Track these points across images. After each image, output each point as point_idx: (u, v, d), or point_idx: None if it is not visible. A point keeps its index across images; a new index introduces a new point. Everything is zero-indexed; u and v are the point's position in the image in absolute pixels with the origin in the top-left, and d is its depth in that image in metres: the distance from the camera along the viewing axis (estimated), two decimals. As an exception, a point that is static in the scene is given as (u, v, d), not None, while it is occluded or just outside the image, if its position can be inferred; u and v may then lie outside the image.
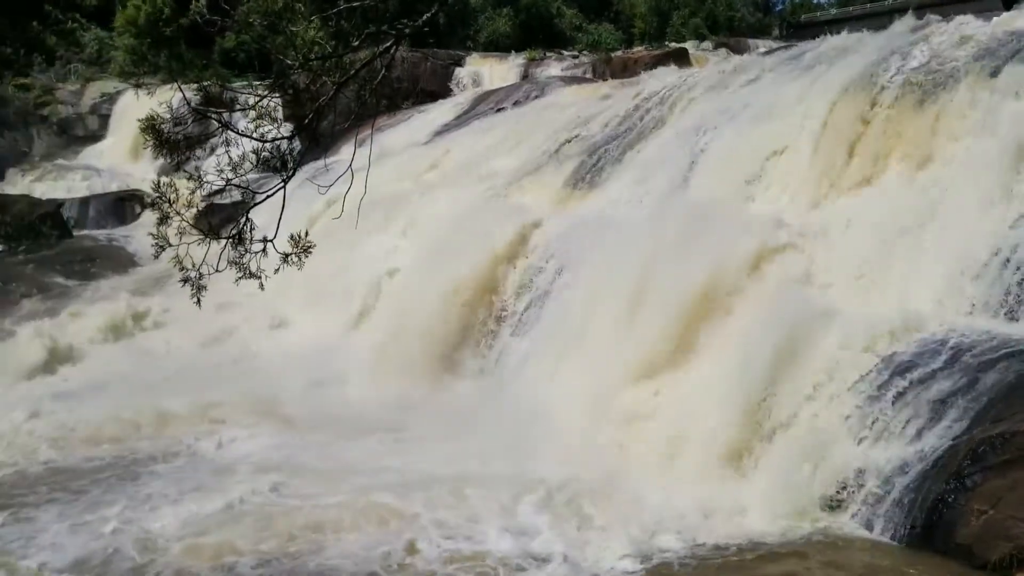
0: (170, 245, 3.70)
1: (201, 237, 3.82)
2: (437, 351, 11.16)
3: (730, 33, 32.74)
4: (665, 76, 15.41)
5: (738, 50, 24.80)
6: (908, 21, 11.39)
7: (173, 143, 3.66)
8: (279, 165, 3.77)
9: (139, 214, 21.49)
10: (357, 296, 13.08)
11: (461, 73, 25.11)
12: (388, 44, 3.63)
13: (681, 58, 22.02)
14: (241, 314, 13.41)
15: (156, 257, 3.72)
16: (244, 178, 3.80)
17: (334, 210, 12.52)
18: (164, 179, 3.63)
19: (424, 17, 3.55)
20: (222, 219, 14.51)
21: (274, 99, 4.07)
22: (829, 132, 9.74)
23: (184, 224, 3.92)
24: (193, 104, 3.68)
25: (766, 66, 12.95)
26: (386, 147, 17.33)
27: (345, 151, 14.58)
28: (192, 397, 10.59)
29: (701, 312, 8.50)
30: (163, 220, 3.68)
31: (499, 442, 8.63)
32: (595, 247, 10.61)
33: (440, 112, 20.91)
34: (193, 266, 3.79)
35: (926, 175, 8.69)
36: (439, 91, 23.88)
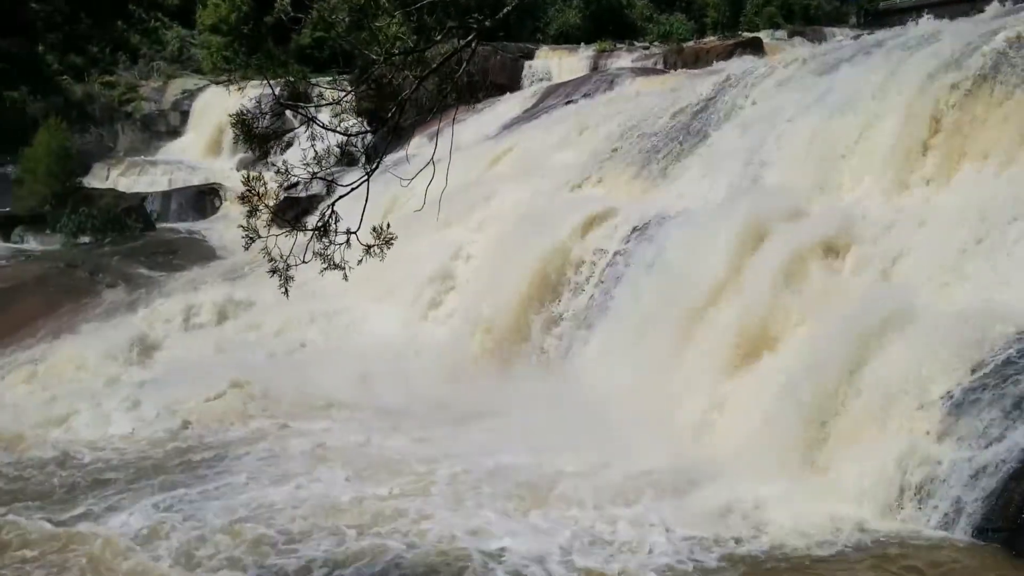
0: (259, 237, 3.83)
1: (288, 229, 3.94)
2: (506, 342, 11.24)
3: (805, 22, 31.99)
4: (739, 66, 15.17)
5: (814, 39, 24.26)
6: (994, 7, 11.02)
7: (261, 137, 3.79)
8: (363, 158, 3.87)
9: (218, 207, 22.14)
10: (427, 288, 13.25)
11: (531, 66, 25.10)
12: (470, 38, 3.68)
13: (755, 48, 21.64)
14: (316, 305, 13.68)
15: (247, 248, 3.85)
16: (327, 172, 3.91)
17: (405, 202, 12.74)
18: (254, 173, 3.76)
19: (504, 11, 3.58)
20: (298, 212, 14.90)
21: (352, 94, 4.18)
22: (911, 123, 9.48)
23: (268, 217, 4.05)
24: (281, 100, 3.80)
25: (844, 54, 12.65)
26: (457, 140, 17.44)
27: (415, 144, 14.77)
28: (268, 386, 10.89)
29: (777, 305, 8.38)
30: (252, 213, 3.81)
31: (568, 434, 8.66)
32: (668, 238, 10.54)
33: (510, 105, 20.97)
34: (281, 257, 3.92)
35: (1014, 167, 8.40)
36: (509, 84, 23.94)
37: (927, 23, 11.96)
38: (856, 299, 7.79)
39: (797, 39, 25.04)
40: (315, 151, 3.79)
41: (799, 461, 7.18)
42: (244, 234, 3.81)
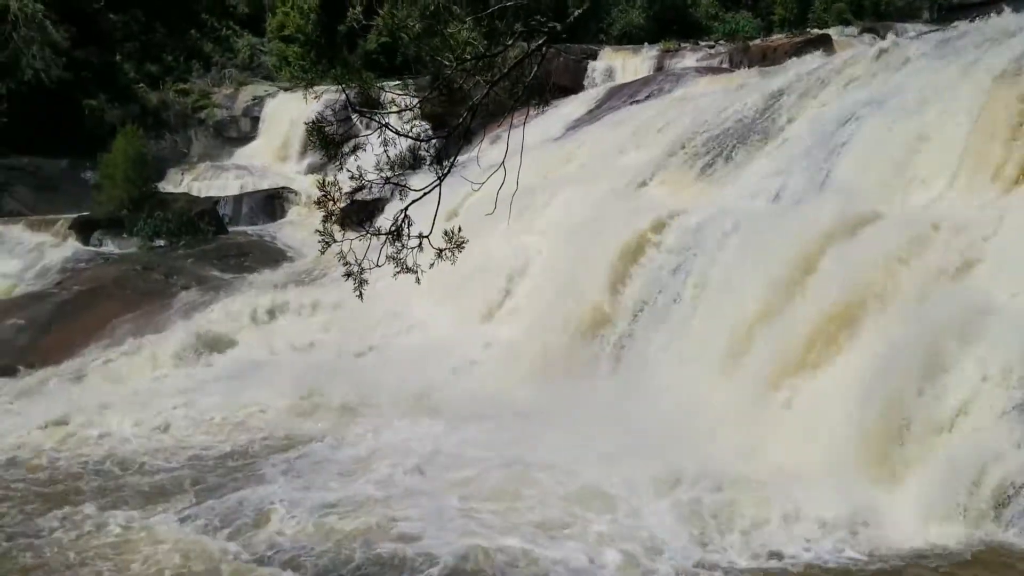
0: (336, 241, 3.93)
1: (363, 233, 4.03)
2: (570, 344, 11.23)
3: (876, 17, 31.21)
4: (806, 63, 14.90)
5: (886, 35, 23.67)
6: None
7: (336, 142, 3.89)
8: (434, 162, 3.94)
9: (287, 210, 22.61)
10: (491, 290, 13.32)
11: (594, 67, 25.01)
12: (541, 42, 3.72)
13: (824, 45, 21.21)
14: (381, 307, 13.86)
15: (323, 252, 3.96)
16: (397, 176, 3.99)
17: (469, 204, 12.83)
18: (329, 178, 3.86)
19: (575, 13, 3.60)
20: (363, 215, 15.12)
21: (422, 99, 4.25)
22: (986, 121, 9.20)
23: (339, 220, 4.16)
24: (355, 106, 3.89)
25: (916, 51, 12.34)
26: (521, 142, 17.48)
27: (481, 148, 14.85)
28: (334, 387, 11.08)
29: (848, 308, 8.22)
30: (328, 218, 3.92)
31: (630, 437, 8.61)
32: (732, 240, 10.41)
33: (573, 107, 20.96)
34: (356, 261, 4.01)
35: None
36: (572, 86, 23.85)
37: (997, 19, 11.58)
38: (932, 302, 7.60)
39: (868, 36, 24.44)
40: (387, 156, 3.87)
41: (870, 468, 7.03)
42: (320, 239, 3.90)
